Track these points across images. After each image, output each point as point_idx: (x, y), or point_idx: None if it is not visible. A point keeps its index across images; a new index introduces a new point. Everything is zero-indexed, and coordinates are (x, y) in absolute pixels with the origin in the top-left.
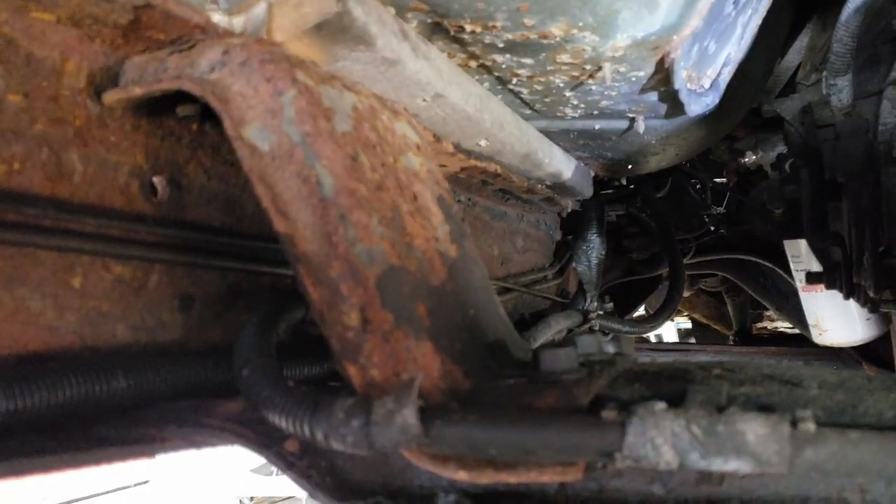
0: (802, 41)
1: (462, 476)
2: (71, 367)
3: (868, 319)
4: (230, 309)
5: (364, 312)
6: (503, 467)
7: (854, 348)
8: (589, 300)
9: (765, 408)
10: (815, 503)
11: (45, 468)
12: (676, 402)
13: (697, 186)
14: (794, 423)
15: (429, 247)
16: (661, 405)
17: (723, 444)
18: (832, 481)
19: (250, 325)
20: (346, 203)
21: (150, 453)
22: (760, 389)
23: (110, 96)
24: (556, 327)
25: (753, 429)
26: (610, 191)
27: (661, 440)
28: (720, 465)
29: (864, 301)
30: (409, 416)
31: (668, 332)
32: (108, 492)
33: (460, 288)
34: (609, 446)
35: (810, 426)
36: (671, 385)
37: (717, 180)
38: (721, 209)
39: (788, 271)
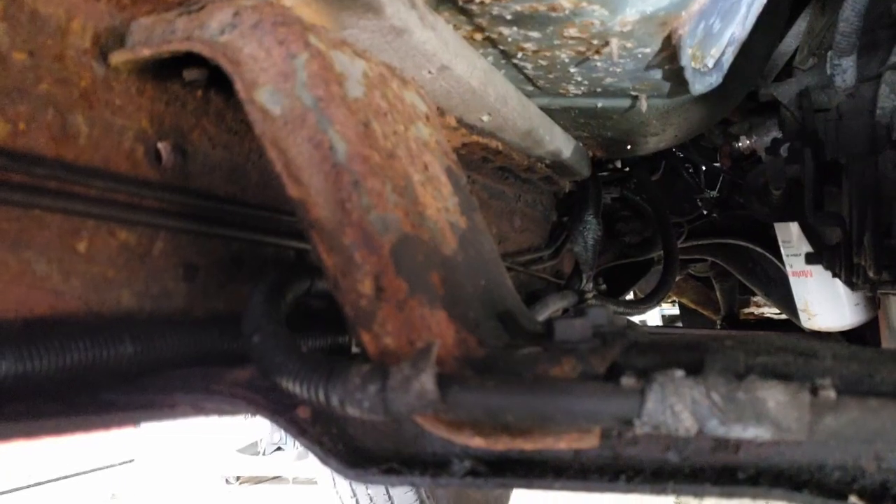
0: (800, 25)
1: (477, 442)
2: (79, 332)
3: (857, 304)
4: (234, 279)
5: (378, 280)
6: (519, 434)
7: (841, 333)
8: (584, 281)
9: (782, 377)
10: (831, 470)
11: (56, 430)
12: (694, 370)
13: (690, 170)
14: (814, 391)
15: (440, 217)
16: (680, 372)
17: (743, 411)
18: (848, 449)
19: (259, 293)
20: (359, 169)
21: (159, 418)
22: (776, 359)
23: (117, 57)
24: (552, 307)
25: (774, 396)
26: (605, 173)
27: (680, 407)
28: (739, 432)
29: (863, 281)
30: (426, 381)
31: (653, 318)
32: (93, 470)
33: (471, 258)
34: (628, 413)
35: (831, 393)
36: (687, 354)
37: (712, 164)
38: (714, 193)
39: (779, 256)
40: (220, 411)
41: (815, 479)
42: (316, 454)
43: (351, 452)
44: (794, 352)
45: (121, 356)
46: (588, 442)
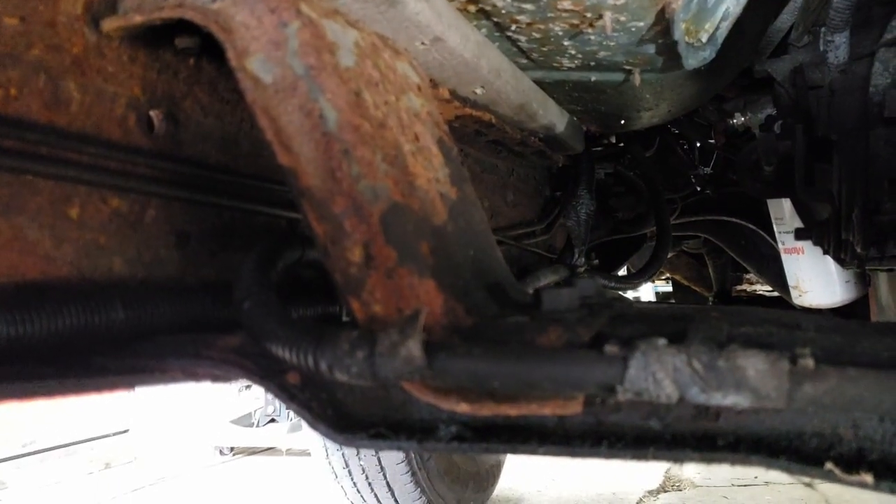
0: (797, 1)
1: (463, 408)
2: (71, 297)
3: (848, 282)
4: (225, 248)
5: (368, 248)
6: (504, 400)
7: (832, 310)
8: (576, 255)
9: (764, 346)
10: (809, 438)
11: (49, 393)
12: (678, 339)
13: (685, 146)
14: (793, 360)
15: (430, 187)
16: (662, 341)
17: (723, 378)
18: (826, 417)
19: (250, 261)
20: (350, 138)
21: (151, 383)
22: (760, 330)
23: (109, 23)
24: (544, 281)
25: (754, 364)
26: (599, 148)
27: (662, 374)
28: (719, 399)
29: (851, 257)
30: (413, 347)
31: (646, 294)
32: (88, 440)
33: (460, 229)
34: (611, 379)
35: (809, 362)
36: (671, 324)
37: (706, 140)
38: (708, 169)
39: (771, 233)
40: (211, 376)
41: (794, 446)
42: (305, 419)
43: (340, 417)
44: (777, 323)
45: (112, 322)
46: (572, 408)
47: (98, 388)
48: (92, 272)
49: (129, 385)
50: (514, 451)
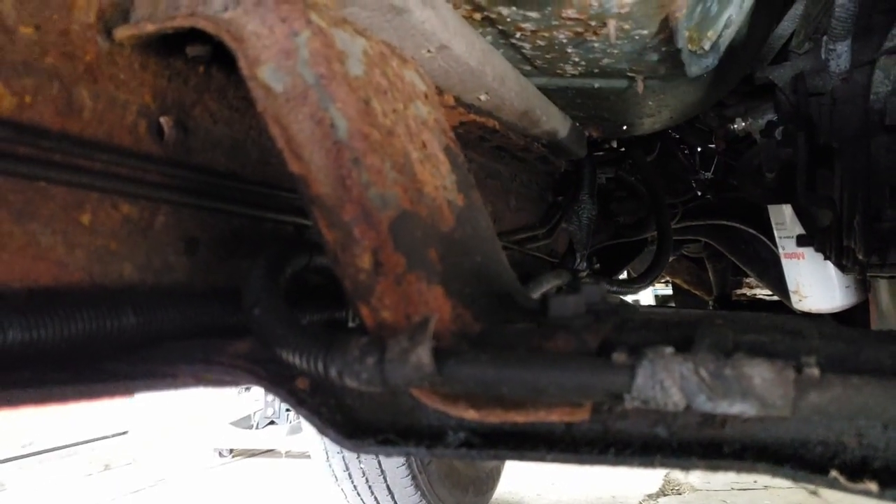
0: (797, 9)
1: (471, 415)
2: (83, 302)
3: (847, 287)
4: (234, 254)
5: (377, 255)
6: (512, 407)
7: (832, 315)
8: (579, 260)
9: (769, 354)
10: (814, 446)
11: (62, 398)
12: (684, 347)
13: (686, 152)
14: (798, 369)
15: (438, 194)
16: (669, 349)
17: (729, 387)
18: (831, 425)
19: (259, 267)
20: (359, 147)
21: (161, 388)
22: (764, 338)
23: (121, 32)
24: (547, 285)
25: (760, 373)
26: (601, 153)
27: (669, 382)
28: (726, 407)
29: (853, 264)
30: (423, 354)
31: (646, 298)
32: (87, 441)
33: (468, 236)
34: (619, 387)
35: (815, 371)
36: (677, 331)
37: (707, 146)
38: (709, 174)
39: (772, 238)
40: (221, 382)
41: (798, 454)
42: (314, 424)
43: (348, 423)
44: (781, 330)
45: (123, 327)
46: (579, 415)
47: (109, 393)
48: (103, 278)
49: (139, 390)
50: (523, 458)
